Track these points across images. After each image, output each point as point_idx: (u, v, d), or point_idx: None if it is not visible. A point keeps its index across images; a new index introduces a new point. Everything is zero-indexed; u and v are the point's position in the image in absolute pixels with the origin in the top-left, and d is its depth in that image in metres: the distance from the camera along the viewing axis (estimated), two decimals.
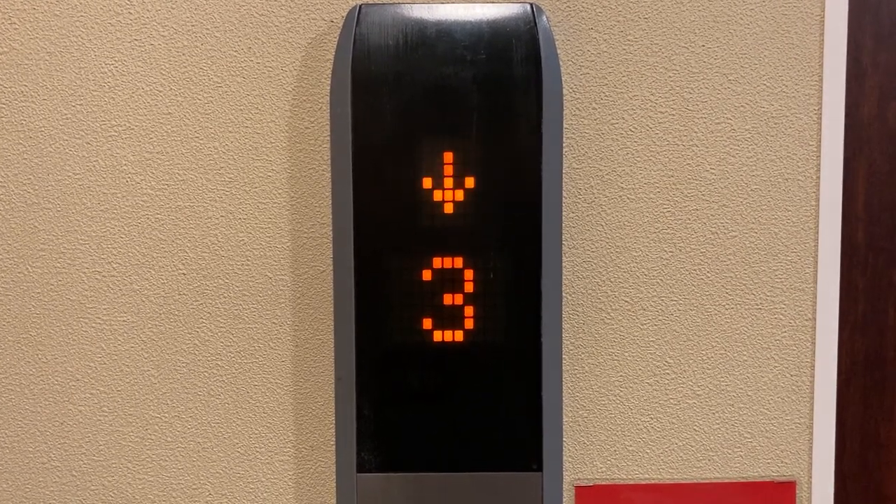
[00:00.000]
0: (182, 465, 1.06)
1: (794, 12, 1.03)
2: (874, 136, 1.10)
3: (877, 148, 1.10)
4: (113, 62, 1.02)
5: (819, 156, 1.04)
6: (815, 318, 1.06)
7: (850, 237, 1.10)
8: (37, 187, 1.03)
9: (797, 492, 1.07)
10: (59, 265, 1.04)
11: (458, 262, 0.96)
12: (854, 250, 1.10)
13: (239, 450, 1.06)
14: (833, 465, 1.07)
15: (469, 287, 0.96)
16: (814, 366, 1.06)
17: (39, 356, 1.05)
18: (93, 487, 1.06)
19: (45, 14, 1.01)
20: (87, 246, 1.04)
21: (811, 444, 1.07)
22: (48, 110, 1.02)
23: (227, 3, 1.01)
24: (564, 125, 1.01)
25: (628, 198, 1.04)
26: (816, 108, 1.04)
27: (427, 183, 0.95)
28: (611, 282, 1.05)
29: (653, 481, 1.07)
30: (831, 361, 1.07)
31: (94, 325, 1.05)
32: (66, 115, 1.02)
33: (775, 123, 1.04)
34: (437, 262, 0.96)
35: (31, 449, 1.06)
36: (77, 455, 1.06)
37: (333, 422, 1.03)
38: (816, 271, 1.05)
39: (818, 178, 1.04)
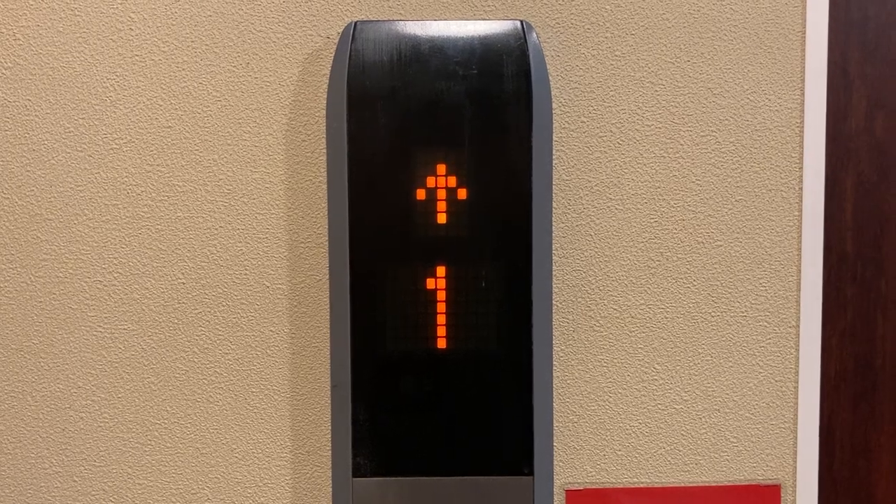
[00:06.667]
0: (181, 471, 1.07)
1: (777, 28, 1.04)
2: (862, 146, 1.10)
3: (865, 158, 1.10)
4: (114, 77, 1.03)
5: (801, 167, 1.05)
6: (798, 325, 1.07)
7: (839, 247, 1.11)
8: (39, 199, 1.04)
9: (782, 494, 1.08)
10: (60, 275, 1.05)
11: (451, 272, 0.97)
12: (843, 259, 1.11)
13: (237, 455, 1.07)
14: (817, 468, 1.08)
15: (461, 295, 0.97)
16: (798, 371, 1.07)
17: (41, 363, 1.06)
18: (93, 493, 1.07)
19: (48, 30, 1.02)
20: (89, 256, 1.05)
21: (795, 447, 1.08)
22: (51, 123, 1.03)
23: (226, 20, 1.03)
24: (554, 138, 1.03)
25: (616, 208, 1.05)
26: (798, 121, 1.05)
27: (420, 195, 0.97)
28: (600, 290, 1.06)
29: (641, 485, 1.08)
30: (815, 367, 1.07)
31: (95, 333, 1.05)
32: (68, 128, 1.03)
33: (759, 135, 1.05)
34: (430, 272, 0.97)
35: (32, 455, 1.07)
36: (78, 461, 1.07)
37: (329, 427, 1.04)
38: (800, 279, 1.06)
39: (801, 188, 1.05)
